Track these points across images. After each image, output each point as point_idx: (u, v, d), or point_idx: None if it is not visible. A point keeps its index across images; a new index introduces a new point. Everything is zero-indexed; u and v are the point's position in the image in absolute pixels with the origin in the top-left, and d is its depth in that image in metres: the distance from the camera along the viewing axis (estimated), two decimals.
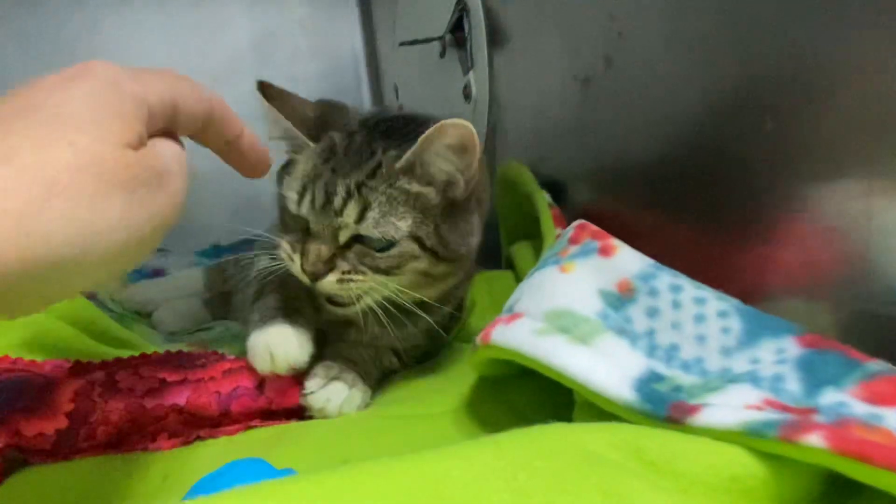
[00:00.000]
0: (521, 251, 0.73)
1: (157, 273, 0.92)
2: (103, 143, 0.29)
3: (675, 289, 0.41)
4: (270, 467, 0.34)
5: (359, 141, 0.53)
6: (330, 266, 0.50)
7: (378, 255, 0.51)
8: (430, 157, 0.50)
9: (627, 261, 0.43)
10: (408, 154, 0.50)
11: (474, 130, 0.48)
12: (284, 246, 0.53)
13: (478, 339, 0.45)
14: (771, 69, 0.45)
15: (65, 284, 0.29)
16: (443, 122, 0.47)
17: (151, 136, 0.34)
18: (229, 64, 1.33)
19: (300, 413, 0.52)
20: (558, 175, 0.75)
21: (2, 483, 0.42)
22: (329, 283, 0.51)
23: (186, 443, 0.47)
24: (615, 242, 0.45)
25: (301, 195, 0.51)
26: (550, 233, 0.64)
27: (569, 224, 0.69)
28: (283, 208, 0.55)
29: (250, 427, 0.50)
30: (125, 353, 0.56)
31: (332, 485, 0.27)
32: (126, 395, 0.46)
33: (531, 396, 0.49)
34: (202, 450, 0.46)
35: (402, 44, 1.00)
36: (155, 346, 0.63)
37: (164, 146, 0.34)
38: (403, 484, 0.27)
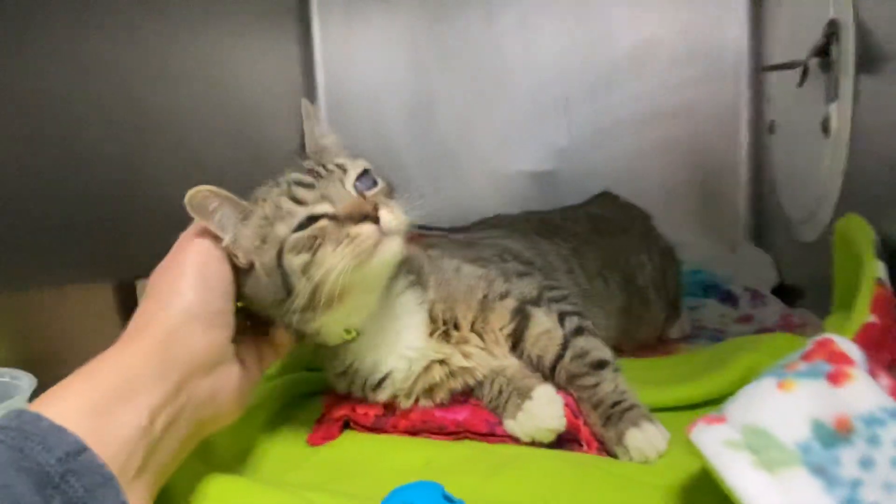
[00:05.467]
0: (833, 323, 0.65)
1: None
2: None
3: None
4: (442, 496, 0.44)
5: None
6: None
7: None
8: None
9: (858, 396, 0.39)
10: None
11: None
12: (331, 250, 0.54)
13: (685, 428, 0.46)
14: None
15: None
16: None
17: None
18: (608, 74, 1.40)
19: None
20: None
21: (337, 437, 0.66)
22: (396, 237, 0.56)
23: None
24: (853, 371, 0.40)
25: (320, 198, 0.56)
26: (859, 318, 0.56)
27: None
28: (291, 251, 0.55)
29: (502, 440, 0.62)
30: None
31: None
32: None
33: None
34: (454, 449, 0.60)
35: (763, 69, 0.93)
36: None
37: None
38: None
